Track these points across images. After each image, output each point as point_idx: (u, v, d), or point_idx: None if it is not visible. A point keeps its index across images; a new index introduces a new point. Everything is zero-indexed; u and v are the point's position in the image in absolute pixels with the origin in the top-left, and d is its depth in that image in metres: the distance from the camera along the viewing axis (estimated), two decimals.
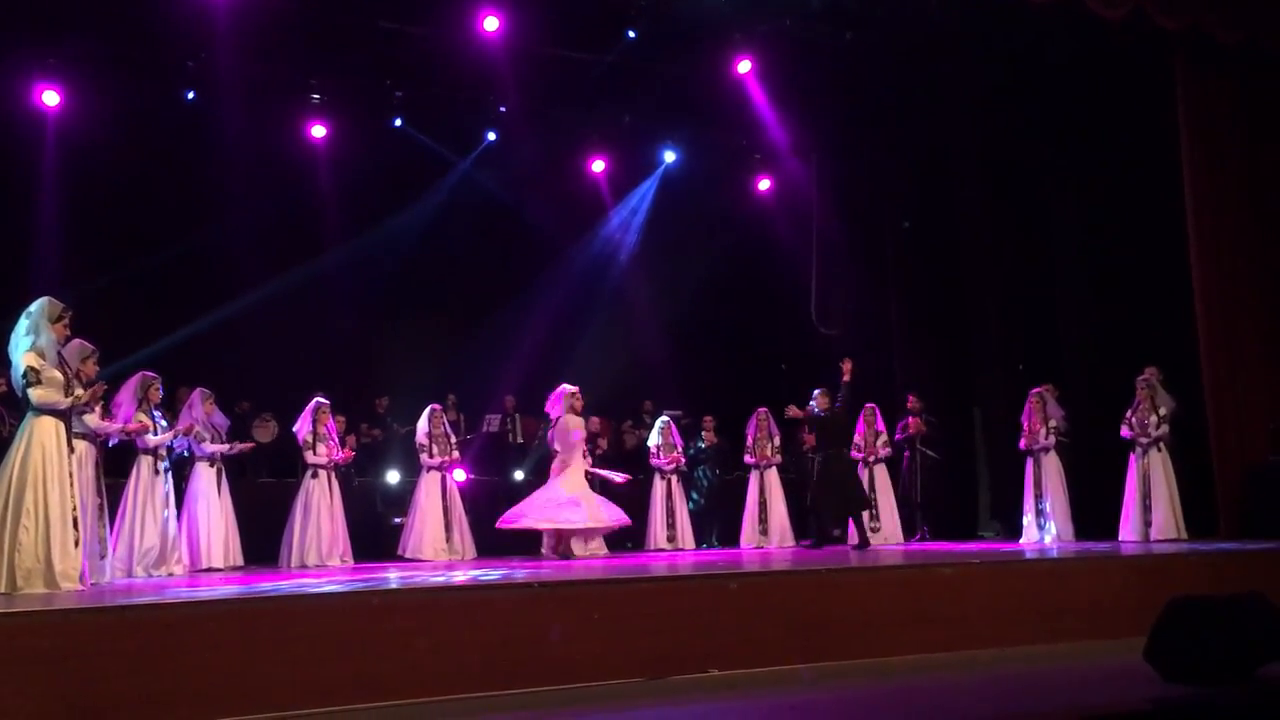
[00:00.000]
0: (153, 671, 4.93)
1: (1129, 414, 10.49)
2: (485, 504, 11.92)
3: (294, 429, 10.37)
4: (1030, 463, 10.95)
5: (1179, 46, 10.60)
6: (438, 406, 11.08)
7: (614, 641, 5.86)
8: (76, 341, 7.14)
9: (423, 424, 10.89)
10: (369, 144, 13.39)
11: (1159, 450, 10.32)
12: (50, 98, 11.65)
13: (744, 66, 12.85)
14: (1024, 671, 6.06)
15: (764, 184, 15.35)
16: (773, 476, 12.09)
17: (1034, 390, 11.00)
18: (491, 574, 7.58)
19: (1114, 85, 11.49)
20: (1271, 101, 10.74)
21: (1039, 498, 10.83)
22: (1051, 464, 10.82)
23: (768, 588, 6.71)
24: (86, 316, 10.11)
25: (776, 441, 12.12)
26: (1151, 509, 10.21)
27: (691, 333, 15.11)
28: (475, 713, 5.16)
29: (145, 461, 8.92)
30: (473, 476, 12.30)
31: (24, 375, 6.56)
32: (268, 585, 6.93)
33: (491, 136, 14.13)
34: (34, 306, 6.79)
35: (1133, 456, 10.46)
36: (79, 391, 6.91)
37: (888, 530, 11.76)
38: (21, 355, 6.62)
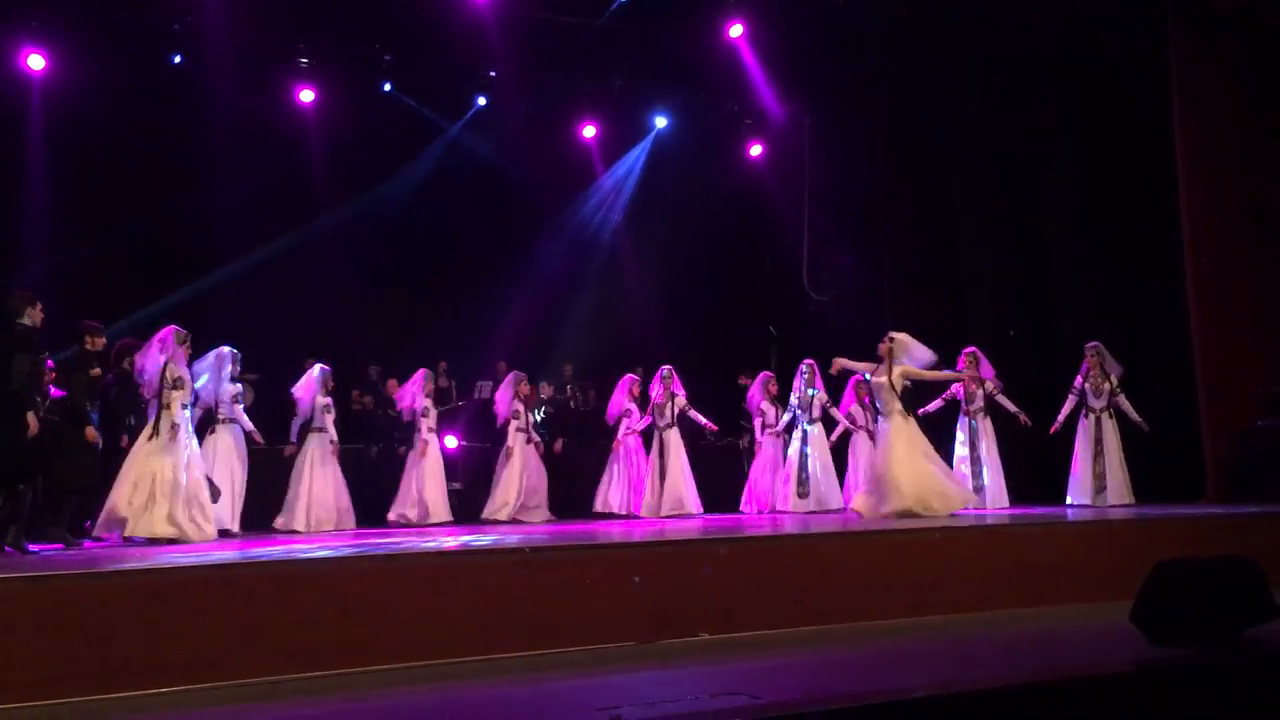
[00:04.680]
0: (151, 636, 4.96)
1: (1079, 381, 10.50)
2: (480, 470, 11.96)
3: (401, 401, 10.92)
4: (965, 424, 10.81)
5: (1173, 11, 10.55)
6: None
7: (605, 606, 5.89)
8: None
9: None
10: (358, 109, 13.31)
11: (1110, 416, 10.36)
12: (35, 62, 11.56)
13: (736, 31, 12.79)
14: (1011, 634, 6.11)
15: (756, 149, 15.30)
16: (673, 438, 11.41)
17: (966, 350, 10.88)
18: (482, 539, 7.61)
19: (1109, 52, 11.45)
20: (1265, 67, 10.72)
21: (975, 460, 10.68)
22: (988, 426, 10.73)
23: (757, 553, 6.74)
24: (74, 282, 10.10)
25: (680, 400, 11.52)
26: (1107, 475, 10.26)
27: (682, 298, 15.10)
28: (467, 677, 5.20)
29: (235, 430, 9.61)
30: (464, 443, 12.32)
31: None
32: (260, 551, 6.95)
33: (482, 101, 14.05)
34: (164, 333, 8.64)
35: (1082, 421, 10.49)
36: None
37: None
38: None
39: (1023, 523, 8.47)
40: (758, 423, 11.95)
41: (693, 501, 11.25)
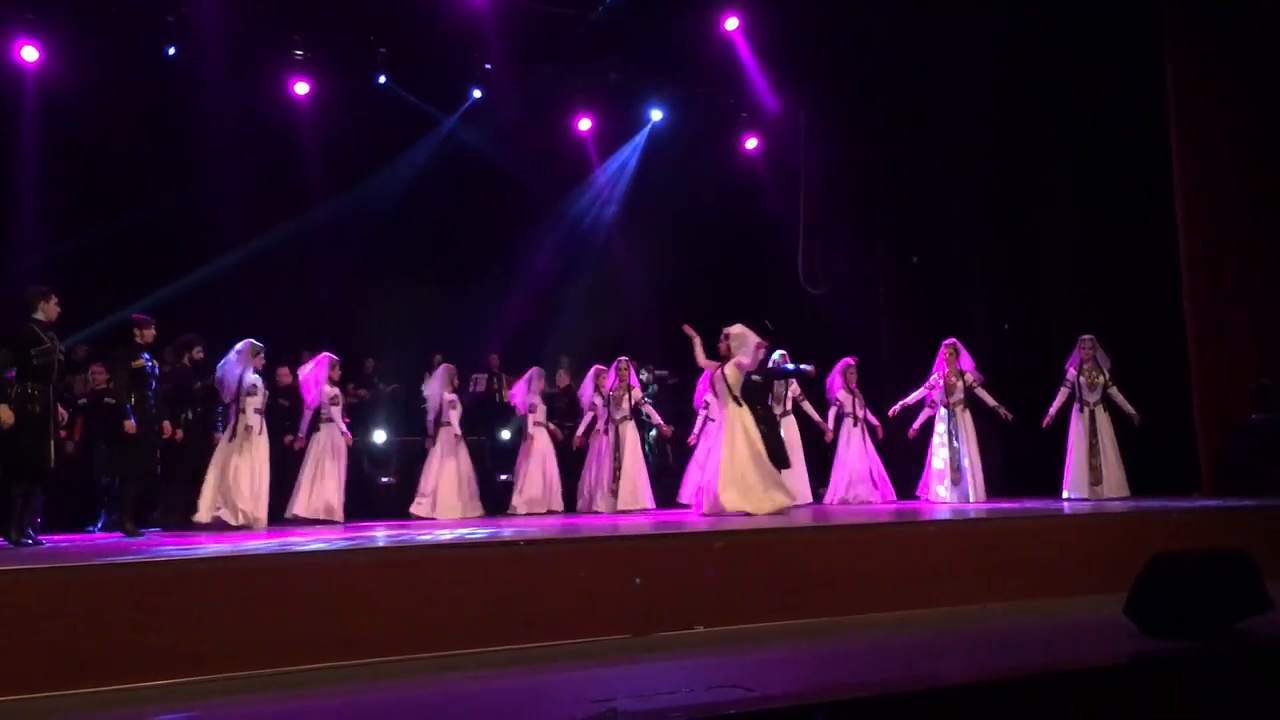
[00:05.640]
0: (146, 628, 4.96)
1: (1071, 373, 10.50)
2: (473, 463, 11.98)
3: (514, 397, 11.54)
4: (944, 417, 10.73)
5: (1169, 3, 10.57)
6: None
7: (600, 598, 5.90)
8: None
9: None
10: (353, 101, 13.25)
11: (1104, 409, 10.37)
12: (29, 54, 11.50)
13: (732, 23, 12.77)
14: (1005, 627, 6.13)
15: (751, 143, 15.28)
16: (629, 431, 11.26)
17: (946, 341, 10.84)
18: (477, 532, 7.62)
19: (1105, 44, 11.45)
20: (1259, 58, 10.72)
21: (954, 453, 10.63)
22: (967, 419, 10.69)
23: (752, 546, 6.75)
24: (68, 274, 10.08)
25: (636, 393, 11.52)
26: (1103, 467, 10.27)
27: (677, 292, 15.06)
28: (462, 669, 5.20)
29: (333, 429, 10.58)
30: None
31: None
32: (256, 544, 6.95)
33: (477, 94, 14.01)
34: (241, 346, 9.64)
35: (1075, 415, 10.48)
36: None
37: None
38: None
39: (1017, 516, 8.49)
40: (832, 412, 11.69)
41: (647, 496, 11.15)
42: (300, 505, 10.23)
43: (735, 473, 9.16)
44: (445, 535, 7.47)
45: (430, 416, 11.22)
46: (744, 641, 5.74)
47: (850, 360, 11.76)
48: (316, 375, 10.47)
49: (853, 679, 4.81)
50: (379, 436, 12.36)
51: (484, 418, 12.98)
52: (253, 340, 9.74)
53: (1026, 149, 12.57)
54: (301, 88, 12.98)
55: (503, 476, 12.17)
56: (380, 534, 8.00)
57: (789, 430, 11.27)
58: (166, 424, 8.99)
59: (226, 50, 11.73)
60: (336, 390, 10.64)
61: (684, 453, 12.06)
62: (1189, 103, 10.67)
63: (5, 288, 10.71)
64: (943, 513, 9.12)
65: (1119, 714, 4.15)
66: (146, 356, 8.78)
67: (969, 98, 12.89)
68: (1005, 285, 12.86)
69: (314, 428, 10.49)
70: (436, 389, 11.17)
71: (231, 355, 9.65)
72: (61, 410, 7.96)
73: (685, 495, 10.60)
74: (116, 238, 11.91)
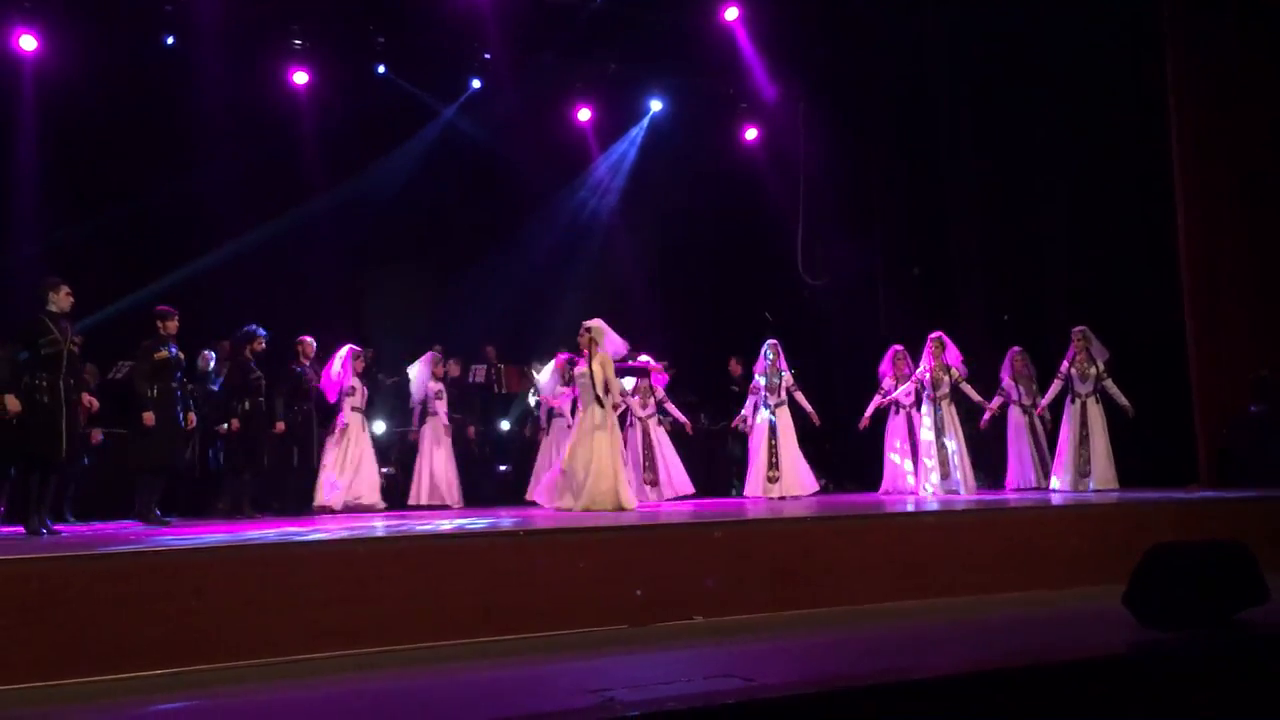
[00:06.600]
0: (140, 618, 4.95)
1: (1065, 366, 10.49)
2: (474, 454, 12.00)
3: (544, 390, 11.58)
4: (931, 411, 10.71)
5: None
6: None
7: (599, 589, 5.90)
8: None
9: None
10: (352, 91, 13.24)
11: (1096, 401, 10.37)
12: (27, 42, 11.49)
13: (731, 13, 12.75)
14: (1004, 617, 6.13)
15: (751, 133, 15.26)
16: (653, 425, 11.19)
17: (932, 335, 10.80)
18: (477, 523, 7.62)
19: (1104, 35, 11.43)
20: (1259, 42, 10.69)
21: (941, 447, 10.57)
22: (953, 413, 10.66)
23: (751, 536, 6.76)
24: (66, 264, 10.07)
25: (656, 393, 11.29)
26: (1091, 460, 10.27)
27: (677, 282, 15.09)
28: (461, 659, 5.20)
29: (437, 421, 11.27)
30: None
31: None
32: (254, 533, 6.95)
33: (476, 84, 13.99)
34: (344, 353, 10.55)
35: (1068, 406, 10.48)
36: None
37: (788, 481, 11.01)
38: None
39: (1016, 507, 8.50)
40: (876, 399, 11.47)
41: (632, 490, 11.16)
42: (419, 493, 10.93)
43: (610, 477, 9.00)
44: (445, 525, 7.47)
45: (544, 409, 11.64)
46: (742, 632, 5.74)
47: (899, 346, 11.53)
48: (421, 372, 11.19)
49: (850, 669, 4.81)
50: (378, 427, 12.33)
51: (483, 408, 13.00)
52: (353, 345, 10.65)
53: (1026, 141, 12.55)
54: (300, 77, 12.97)
55: (502, 468, 12.15)
56: (378, 524, 7.99)
57: (783, 421, 11.19)
58: (192, 415, 8.97)
59: (225, 39, 11.73)
60: (440, 385, 11.25)
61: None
62: (1188, 99, 10.65)
63: (3, 278, 10.73)
64: (940, 504, 9.11)
65: (1117, 704, 4.15)
66: (173, 348, 8.78)
67: (969, 89, 12.86)
68: (1004, 276, 12.85)
69: (421, 421, 11.15)
70: (550, 384, 11.45)
71: (332, 360, 10.53)
72: (89, 399, 8.00)
73: (535, 493, 10.35)
74: (115, 227, 11.90)
